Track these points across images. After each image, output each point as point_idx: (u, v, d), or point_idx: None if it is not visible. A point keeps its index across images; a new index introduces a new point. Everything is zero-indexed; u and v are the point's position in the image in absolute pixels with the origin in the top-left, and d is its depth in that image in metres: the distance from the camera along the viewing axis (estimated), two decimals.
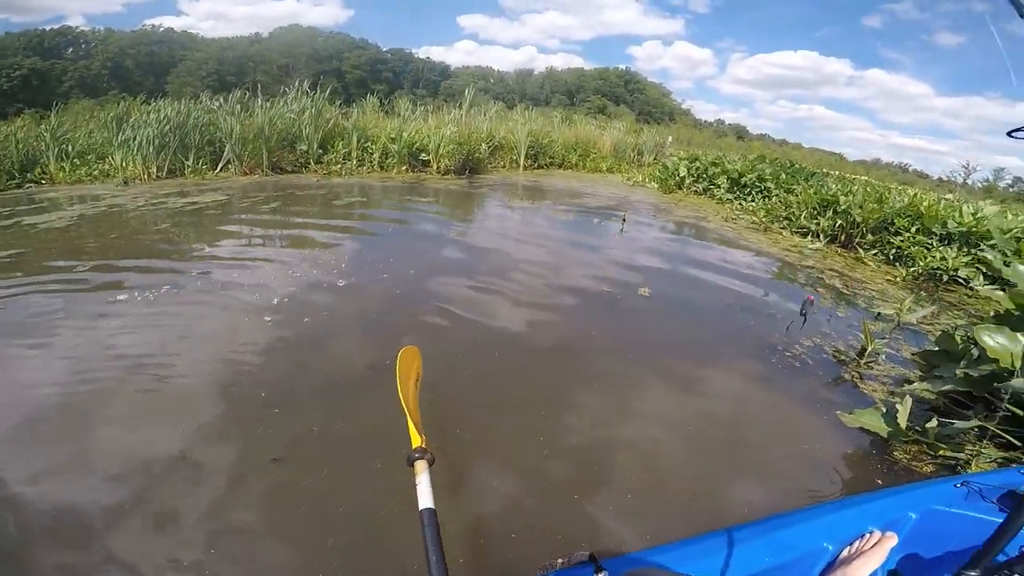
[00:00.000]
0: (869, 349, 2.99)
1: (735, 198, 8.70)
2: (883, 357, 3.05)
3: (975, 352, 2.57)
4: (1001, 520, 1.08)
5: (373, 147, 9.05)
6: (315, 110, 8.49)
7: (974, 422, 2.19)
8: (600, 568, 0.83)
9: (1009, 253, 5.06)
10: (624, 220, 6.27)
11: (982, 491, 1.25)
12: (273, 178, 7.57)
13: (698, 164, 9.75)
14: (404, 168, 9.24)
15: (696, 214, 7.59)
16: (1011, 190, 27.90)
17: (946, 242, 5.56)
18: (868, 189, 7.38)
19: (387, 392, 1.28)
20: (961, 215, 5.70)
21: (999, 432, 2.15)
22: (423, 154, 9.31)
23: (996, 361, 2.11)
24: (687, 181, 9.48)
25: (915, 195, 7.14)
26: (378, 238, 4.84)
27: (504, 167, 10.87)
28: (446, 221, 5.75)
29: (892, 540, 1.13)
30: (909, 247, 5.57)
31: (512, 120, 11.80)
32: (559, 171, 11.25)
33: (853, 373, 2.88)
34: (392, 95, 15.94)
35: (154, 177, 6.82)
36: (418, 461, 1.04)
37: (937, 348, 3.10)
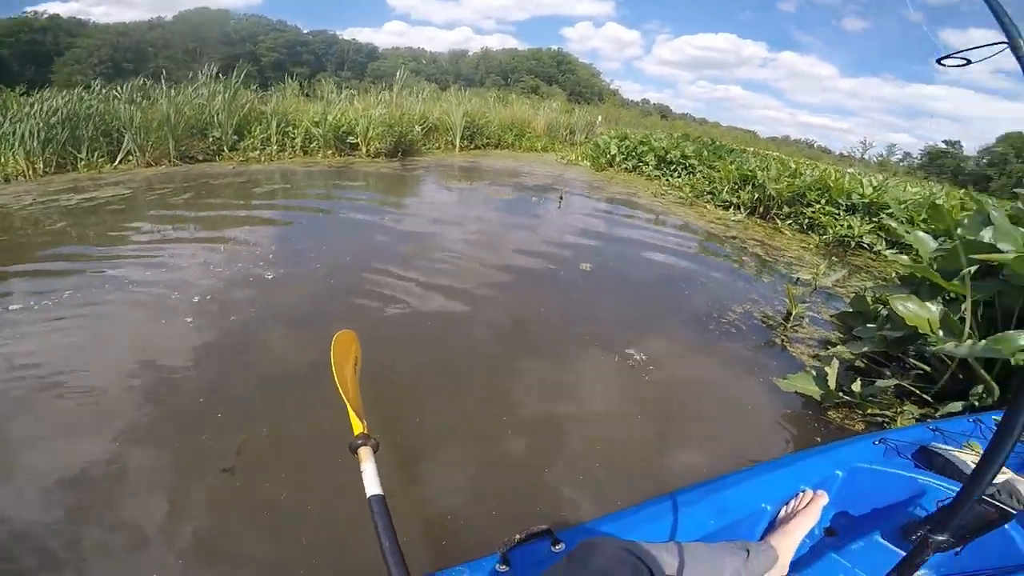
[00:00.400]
0: (794, 313, 3.22)
1: (662, 175, 9.06)
2: (807, 320, 3.30)
3: (885, 313, 2.84)
4: (916, 475, 1.22)
5: (295, 131, 8.44)
6: (229, 95, 7.74)
7: (892, 381, 2.42)
8: (557, 540, 0.87)
9: (904, 221, 5.66)
10: (561, 198, 6.32)
11: (898, 447, 1.37)
12: (183, 168, 6.84)
13: (627, 143, 10.02)
14: (330, 152, 8.71)
15: (628, 190, 7.82)
16: (901, 164, 31.49)
17: (851, 212, 6.12)
18: (782, 165, 7.91)
19: (332, 385, 1.19)
20: (863, 188, 6.27)
21: (914, 389, 2.40)
22: (351, 137, 8.82)
23: (910, 326, 2.30)
24: (618, 159, 9.72)
25: (824, 170, 7.76)
26: (306, 226, 4.51)
27: (439, 148, 10.58)
28: (380, 205, 5.47)
29: (823, 499, 1.20)
30: (820, 217, 6.08)
31: (446, 101, 11.45)
32: (496, 151, 11.13)
33: (782, 337, 3.10)
34: (314, 78, 14.95)
35: (40, 173, 5.93)
36: (361, 448, 1.01)
37: (852, 310, 3.41)
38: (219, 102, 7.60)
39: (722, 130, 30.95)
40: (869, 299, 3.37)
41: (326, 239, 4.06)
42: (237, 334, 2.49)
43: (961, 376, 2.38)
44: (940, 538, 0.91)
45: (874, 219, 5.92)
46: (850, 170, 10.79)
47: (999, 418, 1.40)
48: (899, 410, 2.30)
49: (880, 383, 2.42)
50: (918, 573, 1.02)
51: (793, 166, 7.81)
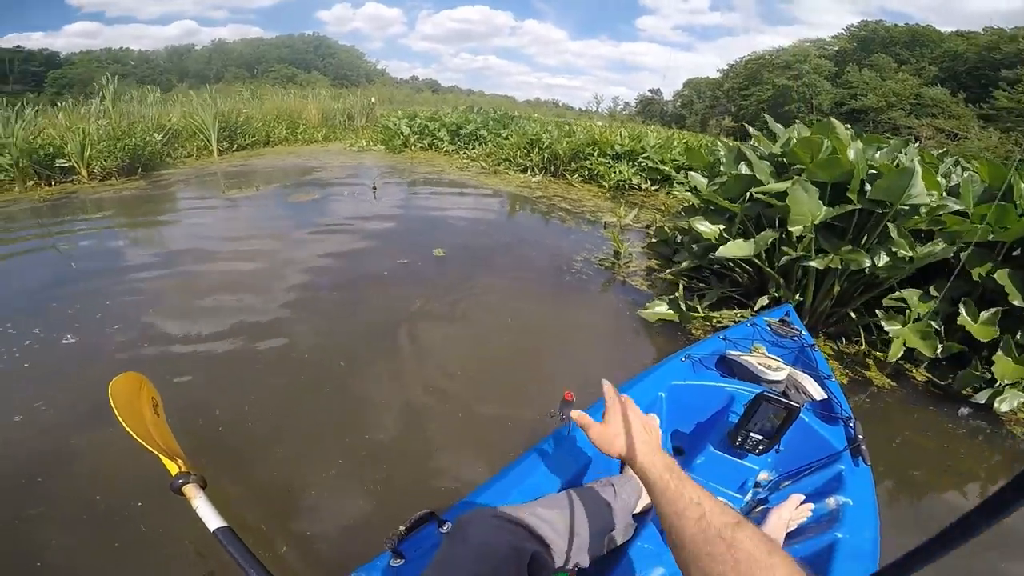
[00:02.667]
0: (622, 252, 3.76)
1: (456, 148, 9.30)
2: (633, 255, 3.89)
3: (683, 238, 3.52)
4: (720, 384, 1.43)
5: None
6: None
7: (717, 291, 3.05)
8: (442, 521, 0.87)
9: (657, 161, 7.00)
10: (375, 188, 5.95)
11: (702, 360, 1.55)
12: None
13: (418, 121, 9.91)
14: (31, 183, 6.38)
15: (433, 168, 7.82)
16: (624, 112, 38.59)
17: (618, 159, 7.30)
18: (558, 127, 8.88)
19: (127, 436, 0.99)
20: (622, 139, 7.50)
21: (733, 295, 3.06)
22: (60, 159, 6.61)
23: (708, 241, 2.90)
24: (412, 139, 9.57)
25: (590, 127, 8.98)
26: (39, 286, 3.22)
27: (191, 156, 8.70)
28: (138, 238, 4.21)
29: (654, 419, 1.24)
30: (598, 167, 7.10)
31: (185, 103, 9.46)
32: (268, 149, 9.70)
33: (622, 274, 3.60)
34: None
35: None
36: (186, 486, 0.96)
37: (656, 239, 4.13)
38: None
39: (487, 99, 32.92)
40: (667, 228, 4.13)
41: (74, 298, 2.99)
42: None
43: (755, 276, 3.15)
44: (756, 436, 1.15)
45: (634, 163, 7.20)
46: (598, 123, 12.82)
47: (769, 319, 1.88)
48: (738, 314, 2.91)
49: (709, 294, 3.05)
50: (764, 475, 1.29)
51: (567, 127, 8.85)
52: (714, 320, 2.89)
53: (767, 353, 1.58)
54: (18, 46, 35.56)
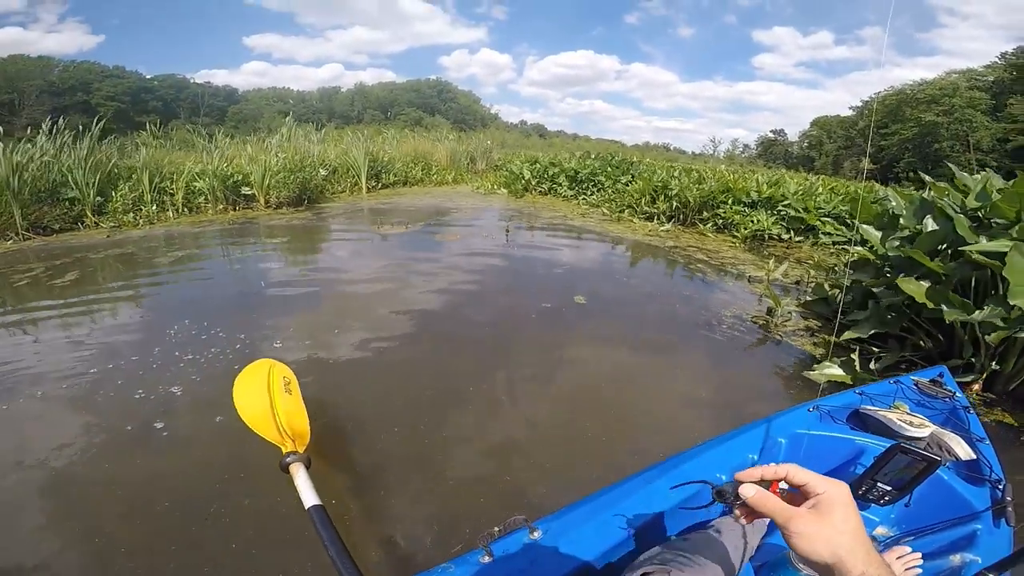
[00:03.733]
0: (779, 310, 3.47)
1: (575, 194, 9.48)
2: (792, 313, 3.58)
3: (856, 297, 3.18)
4: (849, 436, 1.33)
5: (173, 187, 7.34)
6: (86, 147, 6.49)
7: (898, 354, 2.70)
8: (534, 528, 0.91)
9: (800, 209, 6.50)
10: (508, 231, 6.25)
11: (831, 413, 1.46)
12: (38, 242, 5.49)
13: (538, 166, 10.35)
14: (221, 207, 7.70)
15: (555, 213, 8.03)
16: (743, 155, 36.89)
17: (753, 207, 6.91)
18: (686, 174, 8.70)
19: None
20: (760, 186, 7.11)
21: (914, 359, 2.69)
22: (245, 188, 7.91)
23: (914, 300, 2.58)
24: (532, 183, 9.97)
25: (722, 174, 8.67)
26: (250, 300, 3.81)
27: (345, 192, 9.92)
28: (313, 264, 4.86)
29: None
30: (732, 216, 6.76)
31: (342, 141, 10.89)
32: (406, 188, 10.75)
33: (777, 333, 3.33)
34: (167, 126, 13.23)
35: None
36: (292, 464, 1.05)
37: (814, 297, 3.78)
38: (71, 157, 6.31)
39: (593, 143, 33.53)
40: (826, 286, 3.77)
41: (305, 307, 3.46)
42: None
43: (940, 339, 2.75)
44: (885, 487, 1.01)
45: (773, 212, 6.75)
46: (721, 167, 12.33)
47: (917, 378, 1.67)
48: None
49: (887, 357, 2.71)
50: (881, 530, 1.17)
51: (696, 173, 8.63)
52: None
53: (909, 411, 1.43)
54: (208, 81, 43.91)
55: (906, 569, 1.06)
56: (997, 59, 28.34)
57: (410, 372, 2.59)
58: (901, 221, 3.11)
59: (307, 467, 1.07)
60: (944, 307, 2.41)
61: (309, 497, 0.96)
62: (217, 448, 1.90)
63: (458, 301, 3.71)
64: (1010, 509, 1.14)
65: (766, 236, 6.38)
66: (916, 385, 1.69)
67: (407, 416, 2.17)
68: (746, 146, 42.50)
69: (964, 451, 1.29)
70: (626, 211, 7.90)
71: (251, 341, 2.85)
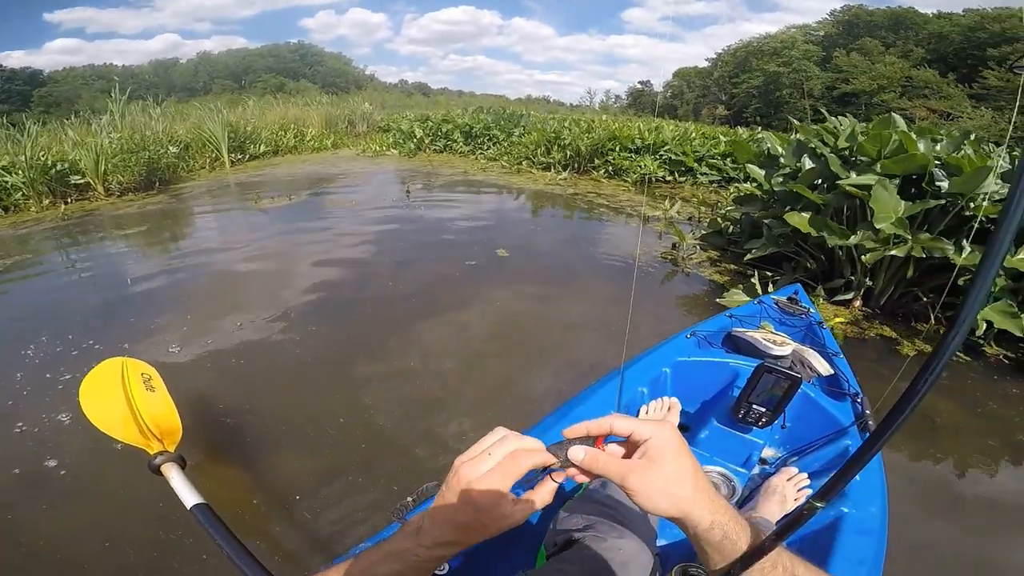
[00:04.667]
0: (685, 244, 3.78)
1: (471, 149, 9.26)
2: (696, 246, 3.91)
3: (745, 227, 3.56)
4: (724, 360, 1.43)
5: None
6: None
7: (791, 276, 3.11)
8: None
9: (679, 153, 7.03)
10: (408, 191, 5.93)
11: (707, 337, 1.54)
12: None
13: (430, 123, 9.86)
14: (48, 202, 6.26)
15: (455, 170, 7.79)
16: (615, 105, 38.77)
17: (638, 153, 7.31)
18: (575, 124, 8.88)
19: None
20: (643, 134, 7.51)
21: (804, 280, 3.11)
22: (75, 176, 6.48)
23: (794, 229, 2.95)
24: (426, 141, 9.52)
25: (607, 124, 8.98)
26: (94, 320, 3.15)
27: (204, 169, 8.60)
28: (186, 250, 4.09)
29: (678, 405, 1.28)
30: (621, 162, 7.11)
31: (191, 115, 9.37)
32: (278, 158, 9.59)
33: (686, 266, 3.64)
34: None
35: None
36: (163, 465, 0.99)
37: (709, 231, 4.16)
38: None
39: (478, 98, 32.77)
40: (719, 219, 4.17)
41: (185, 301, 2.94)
42: None
43: (823, 260, 3.19)
44: (759, 408, 1.13)
45: (656, 156, 7.21)
46: (604, 116, 12.86)
47: (777, 297, 1.89)
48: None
49: (783, 280, 3.10)
50: (769, 452, 1.29)
51: (584, 124, 8.85)
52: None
53: (774, 331, 1.57)
54: (0, 65, 35.09)
55: (798, 490, 1.11)
56: (827, 16, 32.66)
57: (339, 351, 2.38)
58: (781, 160, 3.47)
59: (182, 466, 0.99)
60: (825, 234, 2.80)
61: (189, 497, 0.89)
62: (131, 482, 1.59)
63: (373, 271, 3.45)
64: (871, 422, 1.20)
65: (653, 179, 6.83)
66: (777, 304, 1.84)
67: (326, 396, 2.02)
68: (617, 96, 44.76)
69: (823, 367, 1.38)
70: (524, 163, 7.92)
71: (136, 345, 2.40)
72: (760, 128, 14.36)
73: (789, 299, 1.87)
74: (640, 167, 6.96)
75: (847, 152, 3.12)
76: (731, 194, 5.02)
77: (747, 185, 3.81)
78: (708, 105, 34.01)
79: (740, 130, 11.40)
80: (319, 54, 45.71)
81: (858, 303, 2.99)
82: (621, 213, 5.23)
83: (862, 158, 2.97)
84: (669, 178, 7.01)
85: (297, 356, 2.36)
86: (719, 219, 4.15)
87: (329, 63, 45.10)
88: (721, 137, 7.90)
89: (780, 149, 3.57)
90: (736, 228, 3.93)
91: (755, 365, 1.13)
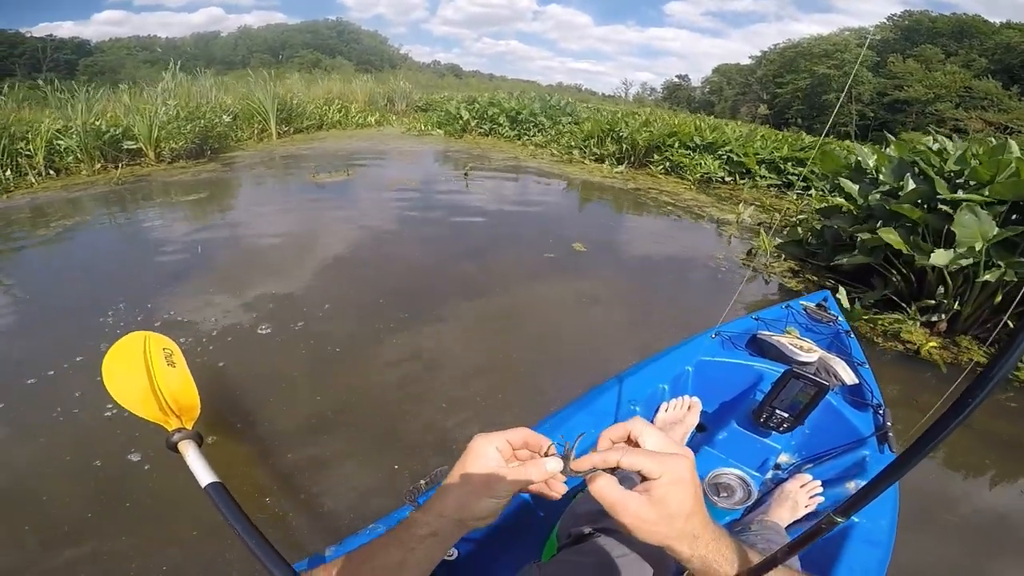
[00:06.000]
0: (768, 250, 3.59)
1: (517, 135, 9.07)
2: (771, 252, 3.74)
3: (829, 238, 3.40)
4: (751, 362, 1.40)
5: (31, 147, 5.79)
6: None
7: (880, 292, 2.96)
8: None
9: (742, 155, 6.74)
10: (466, 175, 5.80)
11: (732, 338, 1.52)
12: None
13: (477, 106, 9.69)
14: (99, 166, 6.26)
15: (505, 155, 7.62)
16: (651, 98, 37.95)
17: (697, 151, 7.03)
18: (633, 117, 8.60)
19: None
20: (704, 132, 7.23)
21: (891, 298, 2.95)
22: (129, 142, 6.48)
23: (886, 245, 2.84)
24: (471, 124, 9.35)
25: (672, 119, 8.70)
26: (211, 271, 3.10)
27: (251, 140, 8.58)
28: (256, 223, 4.03)
29: (699, 405, 1.28)
30: (681, 160, 6.85)
31: (237, 86, 9.38)
32: (324, 132, 9.53)
33: (768, 274, 3.49)
34: None
35: None
36: (180, 442, 0.93)
37: (788, 240, 3.96)
38: None
39: (509, 83, 32.51)
40: (799, 231, 3.98)
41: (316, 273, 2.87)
42: None
43: (913, 279, 3.01)
44: (783, 413, 1.12)
45: (718, 156, 6.93)
46: (646, 109, 12.49)
47: (805, 303, 1.82)
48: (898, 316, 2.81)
49: (869, 295, 2.97)
50: (784, 457, 1.26)
51: (641, 116, 8.56)
52: (880, 323, 2.76)
53: (799, 336, 1.54)
54: (50, 35, 35.91)
55: (810, 497, 1.10)
56: (885, 20, 31.56)
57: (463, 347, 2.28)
58: (881, 177, 3.30)
59: (199, 443, 0.94)
60: (916, 253, 2.67)
61: (204, 475, 0.83)
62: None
63: (455, 256, 3.37)
64: (891, 435, 1.19)
65: (713, 179, 6.57)
66: (805, 310, 1.80)
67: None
68: (653, 89, 43.76)
69: (848, 376, 1.36)
70: (575, 152, 7.71)
71: (251, 310, 2.33)
72: (800, 130, 13.86)
73: (818, 305, 1.85)
74: (700, 165, 6.70)
75: (953, 174, 2.97)
76: (800, 202, 4.80)
77: (838, 199, 3.60)
78: (748, 103, 33.02)
79: (785, 132, 10.98)
80: (356, 32, 46.20)
81: (943, 326, 2.84)
82: (689, 213, 5.01)
83: (972, 182, 2.83)
84: (728, 179, 6.74)
85: (393, 344, 2.27)
86: (799, 229, 3.94)
87: (365, 41, 45.43)
88: (788, 142, 7.55)
89: (871, 163, 3.45)
90: (816, 239, 3.75)
91: (781, 370, 1.15)
